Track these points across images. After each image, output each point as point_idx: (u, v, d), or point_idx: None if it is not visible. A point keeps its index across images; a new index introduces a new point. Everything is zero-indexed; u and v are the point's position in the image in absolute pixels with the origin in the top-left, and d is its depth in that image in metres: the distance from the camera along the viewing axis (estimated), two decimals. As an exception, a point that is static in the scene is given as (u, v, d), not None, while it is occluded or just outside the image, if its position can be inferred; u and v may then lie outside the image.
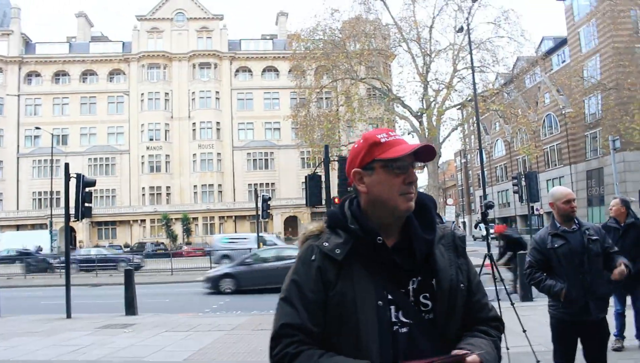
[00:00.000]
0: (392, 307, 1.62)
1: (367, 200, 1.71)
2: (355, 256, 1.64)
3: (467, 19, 29.28)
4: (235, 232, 54.25)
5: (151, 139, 57.33)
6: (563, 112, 47.49)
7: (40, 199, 56.51)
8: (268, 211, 27.07)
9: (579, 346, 4.24)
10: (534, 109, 47.95)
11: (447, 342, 1.61)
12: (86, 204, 13.69)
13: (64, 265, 17.00)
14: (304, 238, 1.76)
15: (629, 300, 7.04)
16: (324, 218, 1.78)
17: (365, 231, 1.66)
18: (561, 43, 51.17)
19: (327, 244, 1.67)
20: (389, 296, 1.63)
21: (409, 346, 1.60)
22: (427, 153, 1.69)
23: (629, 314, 7.04)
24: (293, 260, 1.80)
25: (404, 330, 1.62)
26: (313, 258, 1.67)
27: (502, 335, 1.82)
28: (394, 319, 1.62)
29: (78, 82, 58.99)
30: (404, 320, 1.62)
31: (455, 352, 1.57)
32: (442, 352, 1.56)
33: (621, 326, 7.02)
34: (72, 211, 13.46)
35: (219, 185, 57.64)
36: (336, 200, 16.19)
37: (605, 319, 4.26)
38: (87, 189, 13.69)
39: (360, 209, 1.72)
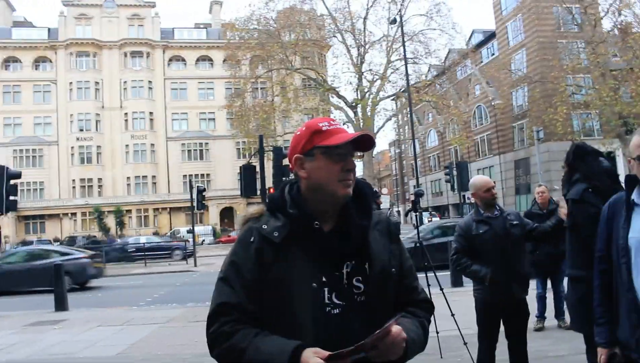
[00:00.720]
0: (326, 289, 1.68)
1: (307, 185, 1.77)
2: (292, 240, 1.70)
3: (400, 11, 29.80)
4: (170, 225, 53.46)
5: (81, 130, 55.36)
6: (492, 103, 49.19)
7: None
8: (203, 202, 26.71)
9: (502, 328, 4.46)
10: (465, 100, 49.47)
11: (378, 323, 1.64)
12: (11, 198, 13.13)
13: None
14: (244, 220, 1.81)
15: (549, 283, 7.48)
16: (265, 200, 1.88)
17: (302, 216, 1.73)
18: (490, 37, 52.84)
19: (265, 226, 1.73)
20: (323, 279, 1.68)
21: (341, 327, 1.67)
22: (366, 143, 1.77)
23: (549, 296, 7.46)
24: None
25: (336, 311, 1.68)
26: (252, 239, 1.72)
27: (432, 319, 1.92)
28: (327, 301, 1.68)
29: (0, 70, 56.14)
30: (337, 302, 1.69)
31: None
32: (372, 333, 1.60)
33: (542, 308, 7.40)
34: (-5, 204, 12.87)
35: (153, 176, 56.43)
36: (271, 190, 16.21)
37: (525, 300, 4.50)
38: (11, 182, 13.12)
39: (299, 194, 1.78)
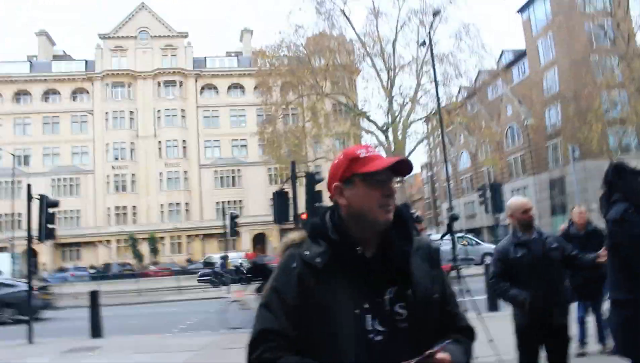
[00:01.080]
0: (369, 316, 1.68)
1: (348, 212, 1.77)
2: (335, 266, 1.69)
3: (429, 33, 29.81)
4: (203, 252, 53.76)
5: (116, 159, 56.49)
6: (525, 123, 48.56)
7: (0, 222, 54.88)
8: (236, 228, 26.90)
9: (543, 354, 4.32)
10: (496, 120, 49.04)
11: (421, 349, 1.64)
12: (49, 226, 13.40)
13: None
14: (284, 247, 1.81)
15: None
16: (304, 227, 1.85)
17: (345, 241, 1.73)
18: (520, 55, 52.37)
19: (307, 252, 1.72)
20: (366, 305, 1.68)
21: (384, 353, 1.66)
22: (404, 168, 1.79)
23: (591, 320, 7.22)
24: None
25: (379, 338, 1.67)
26: (294, 265, 1.72)
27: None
28: (369, 327, 1.67)
29: (40, 102, 57.90)
30: (380, 328, 1.68)
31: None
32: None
33: (583, 332, 7.17)
34: (34, 232, 13.16)
35: (186, 203, 57.04)
36: (303, 216, 16.18)
37: (566, 325, 4.35)
38: (50, 210, 13.41)
39: (341, 220, 1.78)
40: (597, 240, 6.89)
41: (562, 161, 43.66)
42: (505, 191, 29.26)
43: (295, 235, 1.82)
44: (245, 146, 58.01)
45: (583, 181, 38.85)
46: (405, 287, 1.73)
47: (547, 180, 47.48)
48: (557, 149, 44.23)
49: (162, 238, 54.68)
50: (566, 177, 43.36)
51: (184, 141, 57.65)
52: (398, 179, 1.89)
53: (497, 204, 22.06)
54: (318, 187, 16.16)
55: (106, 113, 57.08)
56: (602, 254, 4.26)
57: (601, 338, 7.06)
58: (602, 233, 7.51)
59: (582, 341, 7.14)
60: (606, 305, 7.01)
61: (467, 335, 1.85)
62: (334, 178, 1.80)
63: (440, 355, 1.58)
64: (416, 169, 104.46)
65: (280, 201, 15.43)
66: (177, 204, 56.70)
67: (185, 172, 57.32)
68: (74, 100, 58.70)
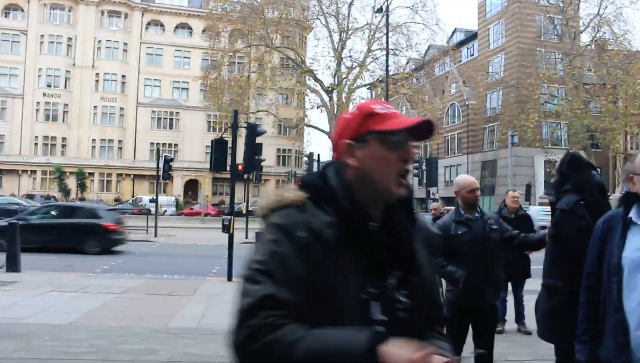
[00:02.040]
0: (374, 302, 1.46)
1: (357, 176, 1.52)
2: (344, 240, 1.44)
3: (386, 0, 29.60)
4: (133, 192, 52.66)
5: (49, 86, 53.78)
6: (466, 103, 49.60)
7: None
8: (169, 172, 26.29)
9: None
10: (440, 97, 49.74)
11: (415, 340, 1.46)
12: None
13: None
14: (280, 205, 1.50)
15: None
16: (300, 186, 1.55)
17: (357, 213, 1.48)
18: (472, 37, 53.17)
19: (315, 221, 1.45)
20: (372, 290, 1.46)
21: None
22: (426, 130, 1.54)
23: (510, 300, 7.55)
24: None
25: (380, 329, 1.44)
26: (300, 234, 1.43)
27: None
28: (375, 317, 1.46)
29: (-34, 14, 53.99)
30: (380, 317, 1.47)
31: (444, 360, 1.40)
32: None
33: (503, 310, 7.46)
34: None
35: (120, 141, 55.35)
36: (240, 167, 16.03)
37: (495, 304, 4.47)
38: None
39: (348, 186, 1.52)
40: (526, 225, 7.25)
41: (497, 145, 45.03)
42: (439, 166, 29.85)
43: (292, 194, 1.51)
44: (186, 89, 56.55)
45: (514, 166, 40.31)
46: (410, 273, 1.53)
47: (479, 161, 48.92)
48: (494, 133, 45.50)
49: (91, 174, 52.95)
50: (498, 161, 44.82)
51: (123, 76, 55.49)
52: (416, 143, 1.55)
53: (431, 179, 22.54)
54: (259, 139, 16.01)
55: (41, 36, 53.90)
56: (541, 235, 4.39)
57: (520, 319, 7.35)
58: (531, 219, 7.92)
59: (502, 319, 7.43)
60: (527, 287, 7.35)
61: (442, 327, 1.69)
62: (344, 135, 1.55)
63: None
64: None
65: (219, 150, 15.10)
66: (110, 141, 54.90)
67: (122, 109, 55.40)
68: (5, 16, 54.94)
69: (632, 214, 2.45)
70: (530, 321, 6.68)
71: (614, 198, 7.72)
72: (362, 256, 1.45)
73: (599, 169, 3.88)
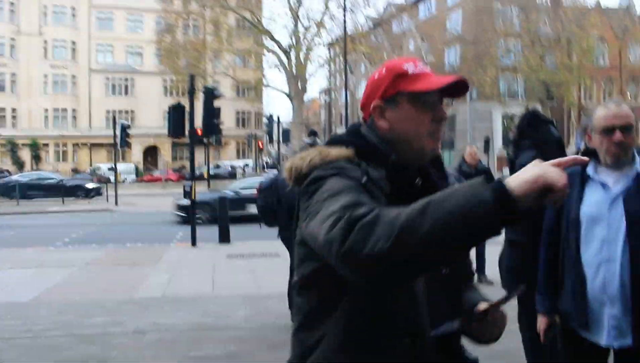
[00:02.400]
0: None
1: (388, 139, 1.48)
2: (393, 196, 1.37)
3: (342, -43, 29.09)
4: (91, 162, 51.54)
5: (-7, 55, 51.64)
6: (425, 60, 49.69)
7: None
8: (127, 139, 25.72)
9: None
10: (398, 54, 49.70)
11: (454, 301, 1.49)
12: None
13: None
14: (326, 161, 1.38)
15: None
16: (339, 143, 1.45)
17: (406, 168, 1.44)
18: (429, -7, 52.92)
19: (371, 171, 1.38)
20: None
21: (427, 302, 1.41)
22: (460, 88, 1.50)
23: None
24: None
25: (422, 285, 1.42)
26: (364, 180, 1.33)
27: None
28: None
29: None
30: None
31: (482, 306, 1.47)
32: (454, 306, 1.47)
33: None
34: None
35: (74, 110, 53.79)
36: (199, 131, 15.81)
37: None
38: None
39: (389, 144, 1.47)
40: (486, 178, 7.41)
41: (454, 100, 45.44)
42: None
43: (337, 151, 1.41)
44: (140, 53, 55.09)
45: (472, 121, 40.85)
46: None
47: (439, 117, 49.32)
48: (452, 88, 45.90)
49: (45, 145, 51.56)
50: (457, 115, 45.34)
51: (73, 42, 53.59)
52: (449, 102, 1.45)
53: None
54: (217, 103, 15.76)
55: (-19, 1, 51.47)
56: None
57: (480, 270, 7.50)
58: (491, 172, 8.12)
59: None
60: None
61: (472, 281, 1.69)
62: (373, 96, 1.51)
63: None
64: (315, 93, 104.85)
65: (176, 115, 14.84)
66: (64, 110, 53.31)
67: (74, 76, 53.68)
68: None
69: (589, 170, 2.50)
70: (490, 272, 6.91)
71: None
72: None
73: (554, 122, 3.94)
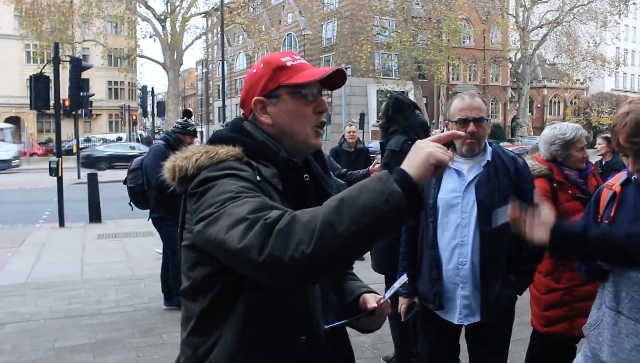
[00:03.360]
0: None
1: (273, 132, 1.48)
2: (285, 192, 1.40)
3: None
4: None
5: None
6: (303, 33, 49.92)
7: None
8: (-17, 109, 23.62)
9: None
10: (277, 27, 49.55)
11: (343, 284, 1.60)
12: None
13: None
14: (213, 161, 1.35)
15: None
16: (224, 142, 1.42)
17: (295, 165, 1.44)
18: (307, -34, 52.94)
19: (263, 169, 1.38)
20: None
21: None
22: (339, 78, 1.51)
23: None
24: None
25: None
26: (258, 179, 1.34)
27: None
28: None
29: None
30: None
31: (370, 305, 1.60)
32: (341, 296, 1.59)
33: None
34: None
35: None
36: (66, 103, 14.91)
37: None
38: None
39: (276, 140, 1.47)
40: (363, 156, 7.75)
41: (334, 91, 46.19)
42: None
43: (227, 150, 1.38)
44: (-4, 14, 50.22)
45: (348, 96, 41.81)
46: None
47: (316, 92, 49.96)
48: (330, 63, 46.51)
49: None
50: (333, 91, 46.14)
51: None
52: (328, 92, 1.45)
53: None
54: (85, 75, 14.86)
55: None
56: (373, 169, 4.62)
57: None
58: (369, 151, 8.45)
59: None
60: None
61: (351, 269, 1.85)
62: (253, 92, 1.49)
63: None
64: (191, 64, 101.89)
65: (39, 86, 13.76)
66: None
67: None
68: None
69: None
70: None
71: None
72: (300, 206, 1.30)
73: (425, 99, 4.14)
